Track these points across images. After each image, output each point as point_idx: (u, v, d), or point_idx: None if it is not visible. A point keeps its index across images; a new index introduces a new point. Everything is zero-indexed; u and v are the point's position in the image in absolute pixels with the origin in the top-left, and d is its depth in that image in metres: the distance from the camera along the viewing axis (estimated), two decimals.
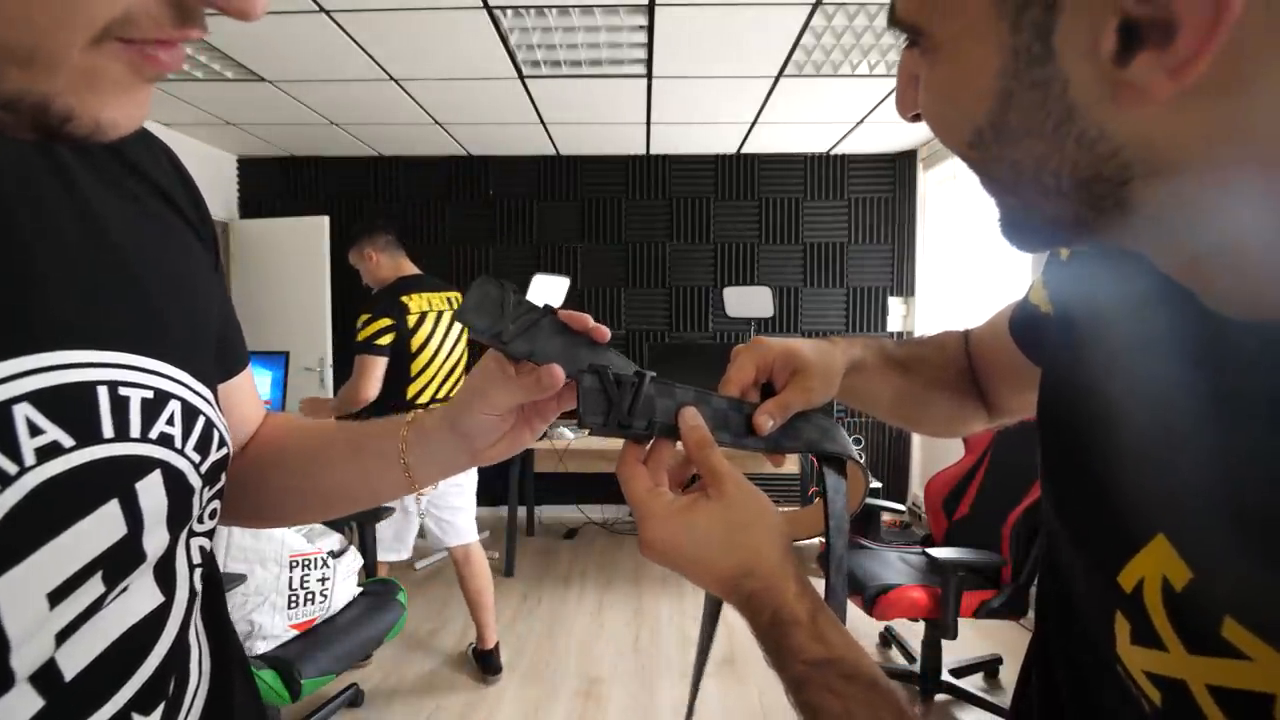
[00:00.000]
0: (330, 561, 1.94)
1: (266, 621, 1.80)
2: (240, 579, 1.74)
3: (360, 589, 2.10)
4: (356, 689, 2.34)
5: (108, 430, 0.36)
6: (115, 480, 0.36)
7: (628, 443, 0.50)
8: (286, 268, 4.11)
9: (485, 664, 2.53)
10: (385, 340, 2.38)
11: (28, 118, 0.27)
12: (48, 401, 0.33)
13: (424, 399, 2.49)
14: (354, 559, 2.06)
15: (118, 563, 0.36)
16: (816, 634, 0.41)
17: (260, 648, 1.78)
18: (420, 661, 2.65)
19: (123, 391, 0.37)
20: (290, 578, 1.85)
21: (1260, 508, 0.28)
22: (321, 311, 4.06)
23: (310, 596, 1.89)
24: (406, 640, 2.78)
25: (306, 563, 1.89)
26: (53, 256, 0.36)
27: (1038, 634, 0.46)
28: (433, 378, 2.51)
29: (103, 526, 0.35)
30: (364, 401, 2.37)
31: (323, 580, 1.92)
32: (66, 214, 0.38)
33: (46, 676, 0.34)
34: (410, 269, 2.60)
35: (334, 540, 1.99)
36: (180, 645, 0.42)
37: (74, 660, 0.35)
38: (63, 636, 0.34)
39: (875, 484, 4.14)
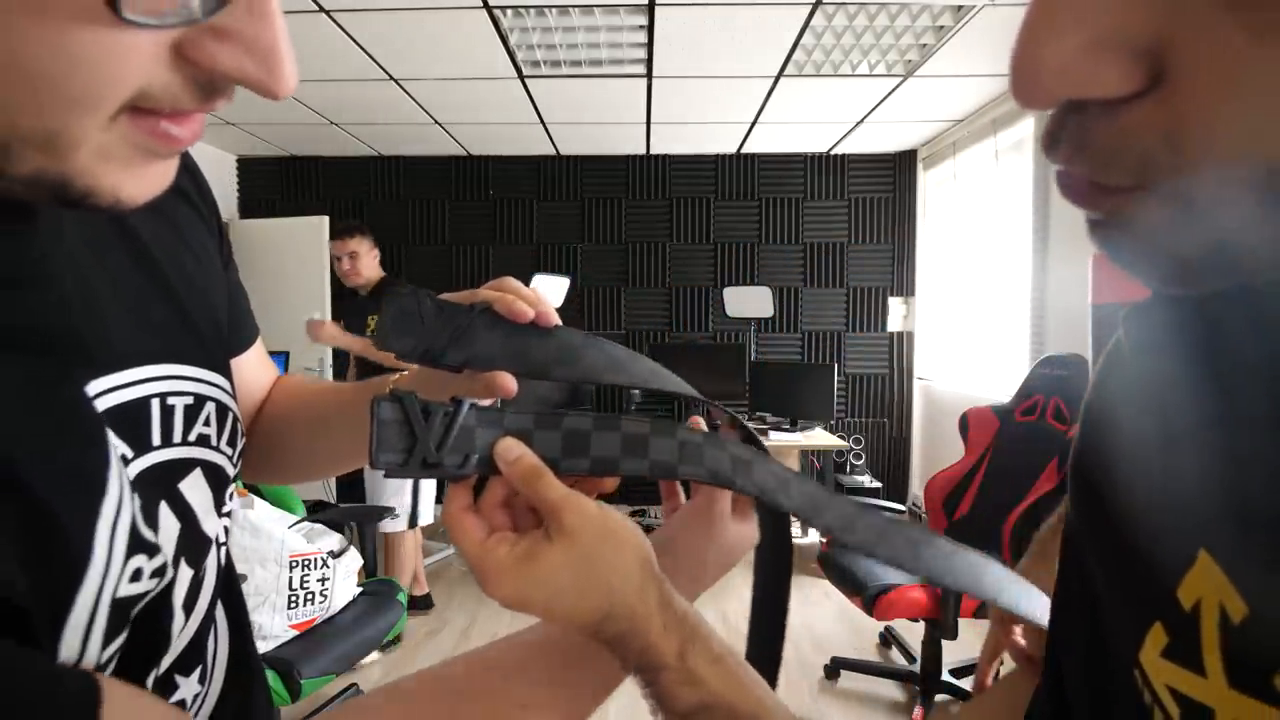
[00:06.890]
0: (330, 561, 1.94)
1: (266, 621, 1.81)
2: (240, 579, 1.74)
3: (360, 589, 2.10)
4: (356, 689, 2.34)
5: (156, 438, 0.39)
6: (162, 483, 0.40)
7: (454, 484, 0.42)
8: (286, 268, 4.10)
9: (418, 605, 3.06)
10: None
11: (47, 193, 0.27)
12: (116, 419, 0.36)
13: None
14: (354, 559, 2.06)
15: (187, 555, 0.41)
16: (686, 676, 0.37)
17: (260, 648, 1.77)
18: (420, 661, 2.65)
19: (170, 401, 0.40)
20: (290, 578, 1.85)
21: None
22: (322, 312, 4.05)
23: (310, 597, 1.89)
24: (406, 640, 2.78)
25: (306, 563, 1.89)
26: (107, 285, 0.39)
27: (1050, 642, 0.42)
28: None
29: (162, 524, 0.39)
30: None
31: (322, 580, 1.92)
32: (115, 240, 0.41)
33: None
34: None
35: (334, 540, 1.99)
36: (209, 617, 0.45)
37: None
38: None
39: (875, 484, 4.14)
